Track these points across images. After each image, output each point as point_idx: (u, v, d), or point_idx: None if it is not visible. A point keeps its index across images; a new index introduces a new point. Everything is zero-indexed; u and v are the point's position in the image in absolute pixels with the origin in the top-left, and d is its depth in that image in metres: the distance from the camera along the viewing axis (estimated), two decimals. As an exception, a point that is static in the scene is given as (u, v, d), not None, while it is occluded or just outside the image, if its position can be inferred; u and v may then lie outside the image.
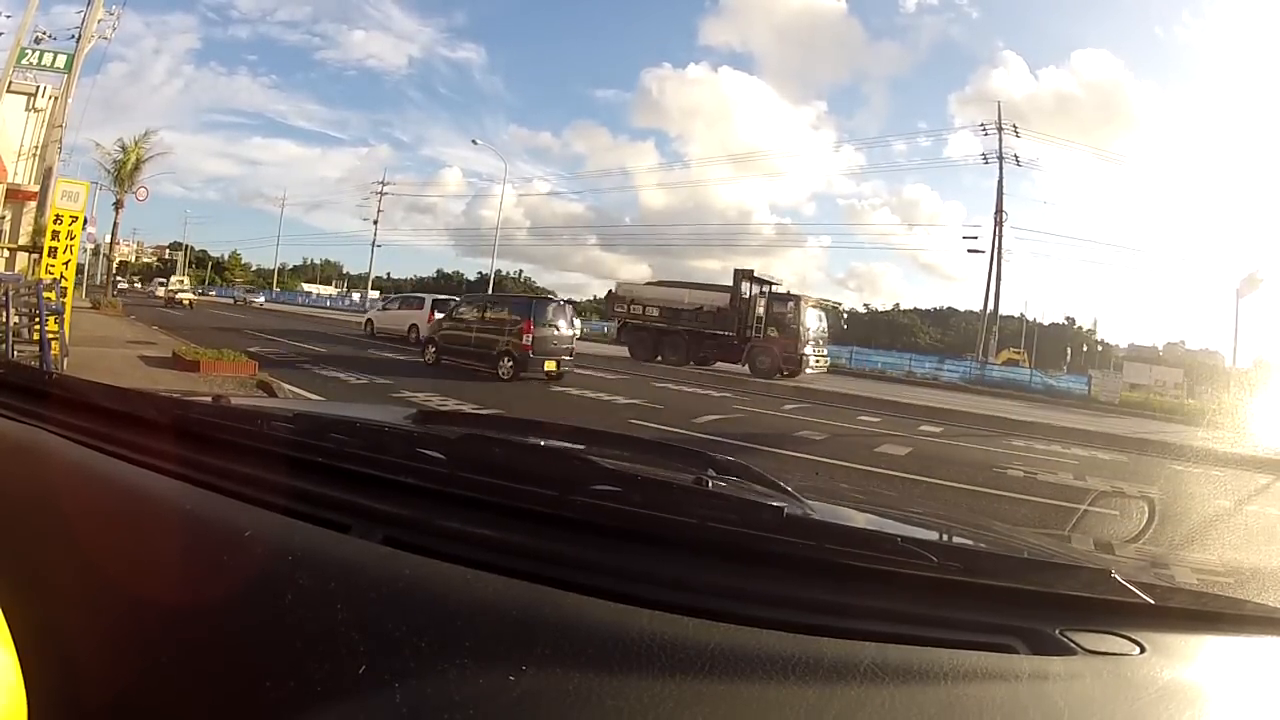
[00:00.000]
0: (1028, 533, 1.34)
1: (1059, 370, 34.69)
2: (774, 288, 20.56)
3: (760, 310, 19.45)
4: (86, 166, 27.63)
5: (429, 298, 21.39)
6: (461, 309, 14.11)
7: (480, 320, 13.06)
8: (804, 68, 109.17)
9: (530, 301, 13.58)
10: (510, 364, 12.11)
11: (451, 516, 0.70)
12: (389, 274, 72.79)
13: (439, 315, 16.63)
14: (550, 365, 12.29)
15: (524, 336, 12.00)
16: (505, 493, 0.71)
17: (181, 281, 34.72)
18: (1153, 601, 0.65)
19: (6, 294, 6.93)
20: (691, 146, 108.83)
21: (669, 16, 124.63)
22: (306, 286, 72.26)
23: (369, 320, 23.29)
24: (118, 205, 28.07)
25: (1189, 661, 0.64)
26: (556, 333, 12.69)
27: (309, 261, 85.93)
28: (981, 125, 31.06)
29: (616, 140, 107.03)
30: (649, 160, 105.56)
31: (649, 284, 23.12)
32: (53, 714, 0.48)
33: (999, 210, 29.41)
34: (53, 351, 7.20)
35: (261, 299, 41.93)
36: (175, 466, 0.80)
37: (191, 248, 72.36)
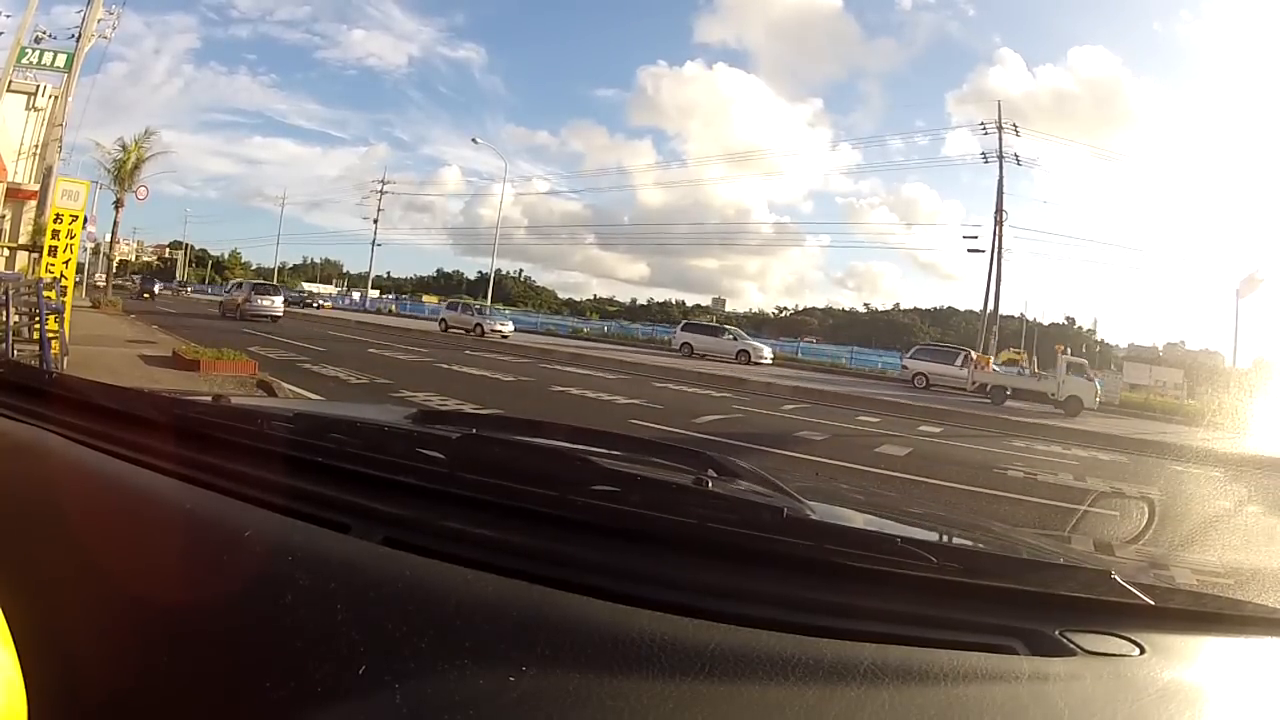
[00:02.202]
0: (1027, 533, 1.34)
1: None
2: None
3: None
4: (86, 165, 27.64)
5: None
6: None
7: None
8: (800, 65, 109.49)
9: None
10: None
11: (451, 516, 0.70)
12: (389, 273, 73.14)
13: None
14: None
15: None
16: (505, 493, 0.71)
17: (105, 276, 54.62)
18: (1152, 602, 0.65)
19: (6, 293, 6.93)
20: (689, 145, 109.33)
21: (665, 14, 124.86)
22: (306, 285, 72.80)
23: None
24: (118, 204, 28.09)
25: (1189, 662, 0.63)
26: None
27: (309, 260, 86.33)
28: (980, 124, 30.80)
29: (614, 139, 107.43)
30: (646, 159, 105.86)
31: None
32: (53, 714, 0.48)
33: (999, 209, 29.23)
34: (53, 350, 7.19)
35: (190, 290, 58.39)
36: (175, 466, 0.80)
37: (192, 246, 73.56)
